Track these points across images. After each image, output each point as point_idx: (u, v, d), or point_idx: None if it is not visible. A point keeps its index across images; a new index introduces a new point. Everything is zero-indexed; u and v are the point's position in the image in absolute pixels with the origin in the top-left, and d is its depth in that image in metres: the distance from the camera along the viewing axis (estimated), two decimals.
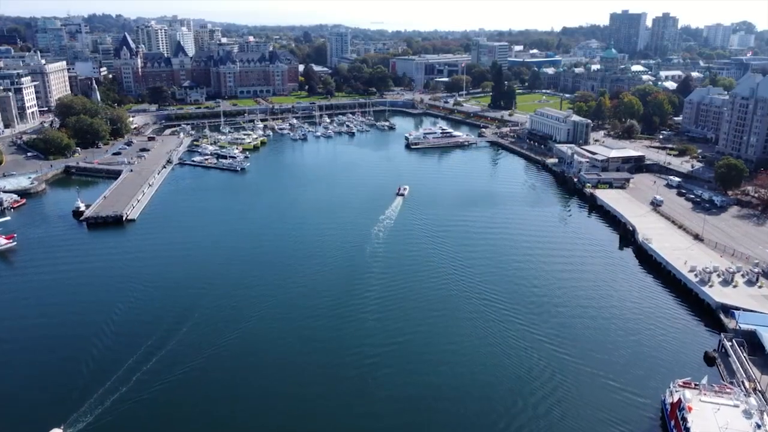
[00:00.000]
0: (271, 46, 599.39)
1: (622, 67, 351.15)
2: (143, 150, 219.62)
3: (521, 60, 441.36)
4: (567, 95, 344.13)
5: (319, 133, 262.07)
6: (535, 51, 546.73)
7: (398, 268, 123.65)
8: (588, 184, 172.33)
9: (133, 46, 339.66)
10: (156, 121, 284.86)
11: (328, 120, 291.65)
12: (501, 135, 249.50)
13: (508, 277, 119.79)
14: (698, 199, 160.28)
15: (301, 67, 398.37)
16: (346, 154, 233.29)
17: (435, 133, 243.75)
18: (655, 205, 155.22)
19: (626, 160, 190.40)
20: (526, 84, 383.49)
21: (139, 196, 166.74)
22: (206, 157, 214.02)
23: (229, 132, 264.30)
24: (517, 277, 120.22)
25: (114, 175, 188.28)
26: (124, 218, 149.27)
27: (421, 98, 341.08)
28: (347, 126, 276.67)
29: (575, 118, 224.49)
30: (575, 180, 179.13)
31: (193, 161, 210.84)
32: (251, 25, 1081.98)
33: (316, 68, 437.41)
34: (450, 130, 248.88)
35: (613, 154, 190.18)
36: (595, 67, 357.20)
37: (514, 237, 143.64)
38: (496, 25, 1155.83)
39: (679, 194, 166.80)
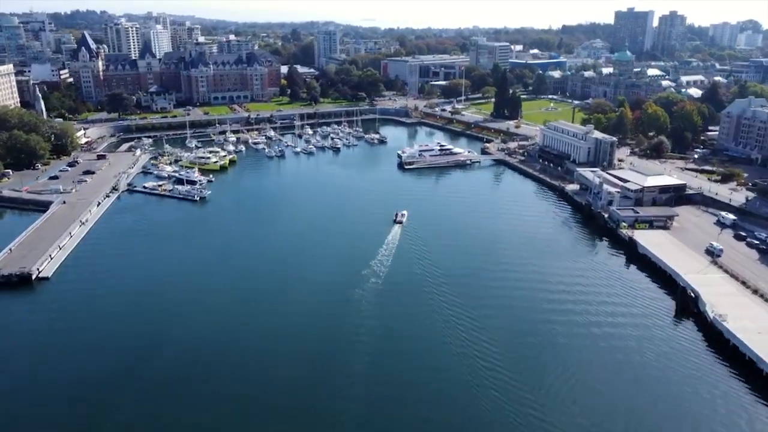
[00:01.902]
0: (256, 44, 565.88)
1: (637, 70, 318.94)
2: (87, 173, 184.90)
3: (523, 62, 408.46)
4: (576, 102, 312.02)
5: (298, 149, 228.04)
6: (535, 51, 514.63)
7: (395, 336, 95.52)
8: (623, 224, 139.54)
9: (93, 46, 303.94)
10: (114, 133, 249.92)
11: (310, 132, 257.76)
12: (508, 152, 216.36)
13: (529, 357, 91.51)
14: (764, 246, 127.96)
15: (285, 69, 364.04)
16: (331, 175, 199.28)
17: (432, 150, 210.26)
18: (714, 255, 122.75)
19: (664, 189, 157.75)
20: (530, 88, 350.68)
21: (63, 240, 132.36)
22: (161, 182, 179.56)
23: (196, 147, 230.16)
24: (542, 357, 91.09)
25: (42, 207, 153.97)
26: (33, 277, 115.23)
27: (416, 105, 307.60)
28: (332, 139, 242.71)
29: (597, 135, 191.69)
30: (605, 216, 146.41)
31: (144, 188, 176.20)
32: (241, 22, 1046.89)
33: (302, 70, 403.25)
34: (449, 146, 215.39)
35: (650, 182, 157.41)
36: (606, 70, 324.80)
37: (534, 293, 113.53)
38: (490, 23, 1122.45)
39: (738, 237, 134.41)
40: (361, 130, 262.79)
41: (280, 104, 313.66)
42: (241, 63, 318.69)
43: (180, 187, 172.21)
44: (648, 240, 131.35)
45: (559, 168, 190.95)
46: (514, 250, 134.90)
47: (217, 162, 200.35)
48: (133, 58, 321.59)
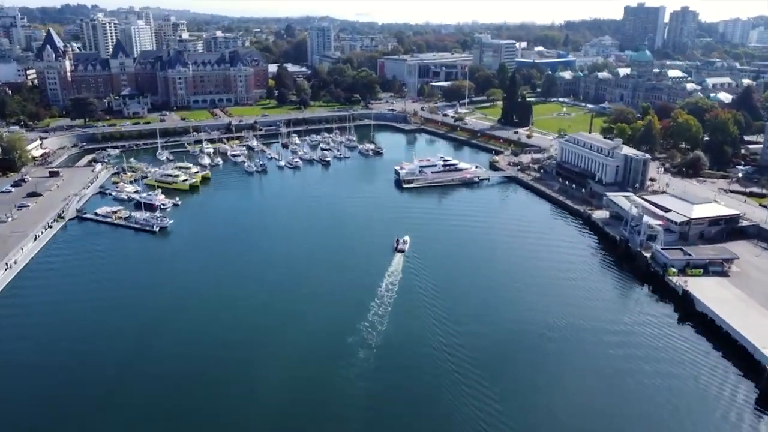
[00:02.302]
0: (247, 41, 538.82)
1: (657, 71, 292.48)
2: (31, 195, 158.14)
3: (531, 61, 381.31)
4: (590, 106, 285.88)
5: (282, 163, 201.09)
6: (540, 49, 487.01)
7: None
8: (672, 270, 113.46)
9: (60, 44, 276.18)
10: (76, 143, 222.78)
11: (297, 141, 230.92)
12: (521, 167, 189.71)
13: None
14: None
15: (275, 68, 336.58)
16: (320, 195, 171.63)
17: (434, 165, 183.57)
18: None
19: (715, 221, 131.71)
20: (539, 90, 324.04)
21: None
22: (116, 207, 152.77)
23: (167, 159, 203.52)
24: None
25: None
26: None
27: (415, 110, 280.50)
28: (321, 150, 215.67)
29: (626, 150, 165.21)
30: (647, 257, 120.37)
31: (96, 215, 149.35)
32: (236, 17, 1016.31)
33: (293, 68, 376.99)
34: (453, 160, 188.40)
35: (697, 212, 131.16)
36: (623, 71, 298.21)
37: (570, 357, 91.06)
38: (490, 18, 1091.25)
39: None
40: (354, 138, 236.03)
41: (267, 108, 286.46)
42: (224, 63, 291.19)
43: (138, 215, 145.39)
44: (707, 293, 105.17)
45: (583, 189, 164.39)
46: (537, 296, 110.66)
47: (186, 181, 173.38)
48: (107, 57, 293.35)
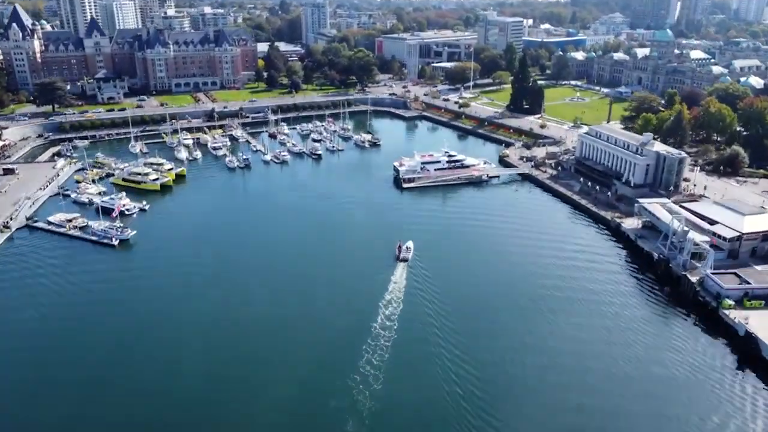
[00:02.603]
0: (240, 17, 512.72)
1: (678, 52, 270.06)
2: None
3: (539, 40, 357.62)
4: (605, 90, 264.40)
5: (268, 157, 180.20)
6: (547, 26, 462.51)
7: None
8: (727, 301, 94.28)
9: (28, 22, 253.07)
10: (42, 132, 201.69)
11: (286, 130, 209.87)
12: (535, 163, 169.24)
13: None
14: None
15: (265, 47, 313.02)
16: (310, 195, 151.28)
17: (438, 162, 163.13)
18: None
19: None
20: (548, 72, 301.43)
21: None
22: (72, 214, 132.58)
23: (141, 153, 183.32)
24: None
25: None
26: None
27: (415, 96, 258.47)
28: (312, 142, 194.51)
29: (659, 147, 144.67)
30: (693, 282, 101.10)
31: (49, 224, 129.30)
32: None
33: (286, 48, 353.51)
34: (459, 156, 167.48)
35: (749, 225, 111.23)
36: (641, 51, 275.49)
37: (601, 403, 73.80)
38: None
39: None
40: (349, 127, 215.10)
41: (255, 92, 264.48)
42: (208, 42, 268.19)
43: (95, 225, 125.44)
44: None
45: (608, 193, 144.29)
46: (569, 328, 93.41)
47: (157, 180, 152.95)
48: (78, 36, 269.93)
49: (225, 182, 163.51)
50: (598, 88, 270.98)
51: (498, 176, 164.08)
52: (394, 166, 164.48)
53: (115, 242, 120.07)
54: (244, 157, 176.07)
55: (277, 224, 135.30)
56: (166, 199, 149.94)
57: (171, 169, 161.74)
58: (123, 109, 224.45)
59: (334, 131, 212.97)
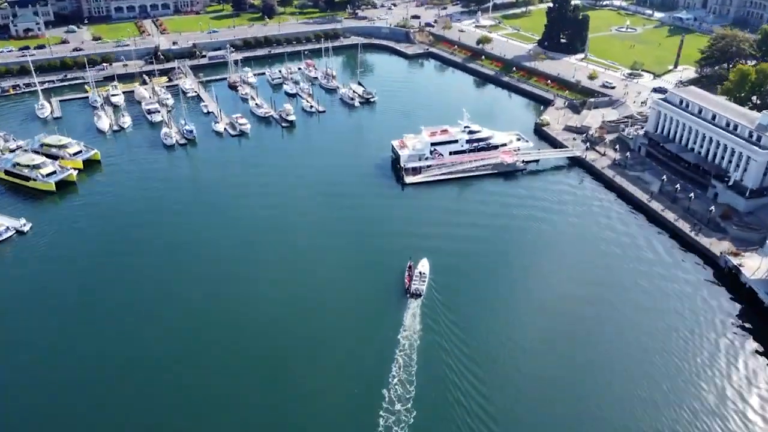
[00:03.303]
0: None
1: None
2: None
3: None
4: (659, 15, 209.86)
5: (221, 126, 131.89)
6: None
7: None
8: None
9: None
10: None
11: (252, 77, 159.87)
12: (588, 139, 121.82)
13: None
14: None
15: None
16: (274, 199, 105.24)
17: (454, 141, 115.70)
18: None
19: None
20: None
21: None
22: None
23: (52, 117, 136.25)
24: None
25: None
26: None
27: (421, 24, 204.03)
28: (285, 104, 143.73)
29: None
30: None
31: None
32: None
33: None
34: (484, 131, 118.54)
35: None
36: None
37: None
38: None
39: None
40: (335, 72, 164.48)
41: (219, 19, 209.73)
42: None
43: None
44: None
45: (710, 208, 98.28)
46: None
47: (52, 176, 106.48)
48: None
49: (155, 170, 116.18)
50: (650, 11, 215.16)
51: (537, 160, 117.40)
52: (393, 147, 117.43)
53: None
54: (187, 127, 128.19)
55: (228, 249, 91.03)
56: (63, 205, 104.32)
57: (78, 153, 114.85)
58: (41, 47, 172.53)
59: (315, 78, 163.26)
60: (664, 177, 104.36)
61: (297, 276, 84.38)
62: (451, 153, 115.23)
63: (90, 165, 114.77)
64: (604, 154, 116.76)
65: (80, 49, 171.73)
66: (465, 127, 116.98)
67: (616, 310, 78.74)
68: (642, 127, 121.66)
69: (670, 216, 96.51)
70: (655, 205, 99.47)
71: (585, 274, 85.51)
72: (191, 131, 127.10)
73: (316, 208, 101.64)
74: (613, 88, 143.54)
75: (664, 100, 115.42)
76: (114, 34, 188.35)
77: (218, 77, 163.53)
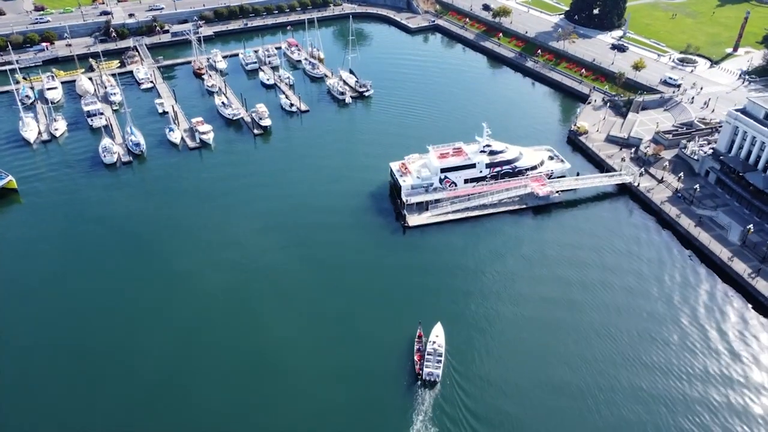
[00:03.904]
0: None
1: None
2: None
3: None
4: None
5: (176, 136, 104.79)
6: None
7: None
8: None
9: None
10: None
11: (221, 63, 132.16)
12: (640, 158, 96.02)
13: None
14: None
15: None
16: (232, 243, 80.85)
17: (471, 165, 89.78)
18: None
19: None
20: None
21: None
22: None
23: None
24: None
25: None
26: None
27: None
28: (263, 86, 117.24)
29: None
30: None
31: None
32: None
33: None
34: (510, 150, 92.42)
35: None
36: None
37: None
38: None
39: None
40: (320, 55, 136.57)
41: None
42: None
43: None
44: None
45: None
46: None
47: None
48: None
49: (90, 203, 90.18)
50: None
51: (575, 189, 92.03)
52: (392, 172, 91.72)
53: None
54: (134, 138, 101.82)
55: (182, 322, 67.99)
56: None
57: None
58: None
59: (299, 62, 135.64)
60: (750, 226, 79.14)
61: (264, 370, 62.12)
62: (466, 181, 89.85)
63: (4, 195, 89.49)
64: (661, 181, 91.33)
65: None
66: (485, 146, 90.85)
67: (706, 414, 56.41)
68: (708, 143, 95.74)
69: (762, 287, 72.17)
70: (739, 267, 74.96)
71: (645, 354, 62.98)
72: (138, 144, 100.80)
73: (290, 266, 77.15)
74: (677, 86, 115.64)
75: (743, 111, 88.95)
76: (60, 2, 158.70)
77: (181, 61, 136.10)
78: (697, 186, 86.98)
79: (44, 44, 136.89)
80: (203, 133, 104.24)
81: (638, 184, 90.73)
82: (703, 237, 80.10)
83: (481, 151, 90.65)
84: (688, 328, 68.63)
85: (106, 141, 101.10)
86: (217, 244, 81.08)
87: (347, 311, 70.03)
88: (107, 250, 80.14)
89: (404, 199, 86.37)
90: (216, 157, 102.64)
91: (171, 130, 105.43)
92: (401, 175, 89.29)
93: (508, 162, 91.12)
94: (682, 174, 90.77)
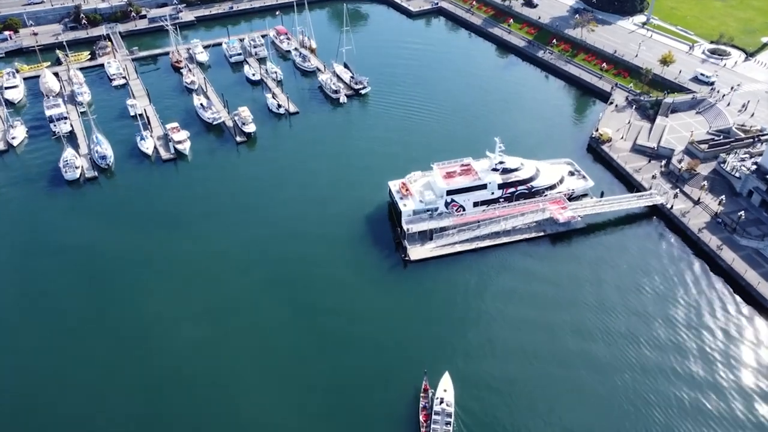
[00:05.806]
0: None
1: None
2: None
3: None
4: None
5: (149, 146, 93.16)
6: None
7: None
8: None
9: None
10: None
11: (203, 55, 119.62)
12: (676, 177, 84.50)
13: None
14: None
15: None
16: (211, 281, 70.73)
17: (482, 185, 78.34)
18: None
19: None
20: None
21: None
22: None
23: None
24: None
25: None
26: None
27: None
28: (240, 108, 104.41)
29: None
30: None
31: None
32: None
33: None
34: (526, 168, 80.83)
35: None
36: None
37: None
38: None
39: None
40: (313, 44, 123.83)
41: None
42: None
43: None
44: None
45: None
46: None
47: None
48: None
49: (46, 231, 79.43)
50: None
51: (600, 211, 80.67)
52: (390, 193, 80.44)
53: None
54: (99, 149, 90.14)
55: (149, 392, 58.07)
56: None
57: None
58: None
59: (288, 52, 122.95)
60: None
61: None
62: (476, 204, 78.67)
63: None
64: (698, 202, 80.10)
65: None
66: (498, 163, 79.32)
67: None
68: (750, 156, 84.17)
69: None
70: None
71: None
72: (104, 157, 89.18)
73: (273, 312, 66.74)
74: (711, 84, 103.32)
75: None
76: None
77: (158, 52, 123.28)
78: (741, 213, 75.71)
79: (7, 33, 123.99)
80: (179, 142, 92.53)
81: (671, 206, 79.58)
82: (750, 276, 69.39)
83: (493, 169, 79.19)
84: (738, 404, 58.34)
85: (68, 153, 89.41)
86: (192, 284, 70.42)
87: (340, 365, 60.43)
88: (65, 292, 69.56)
89: (405, 227, 75.25)
90: (193, 171, 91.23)
91: (143, 138, 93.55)
92: (401, 198, 77.99)
93: (524, 182, 79.69)
94: (723, 197, 79.41)
